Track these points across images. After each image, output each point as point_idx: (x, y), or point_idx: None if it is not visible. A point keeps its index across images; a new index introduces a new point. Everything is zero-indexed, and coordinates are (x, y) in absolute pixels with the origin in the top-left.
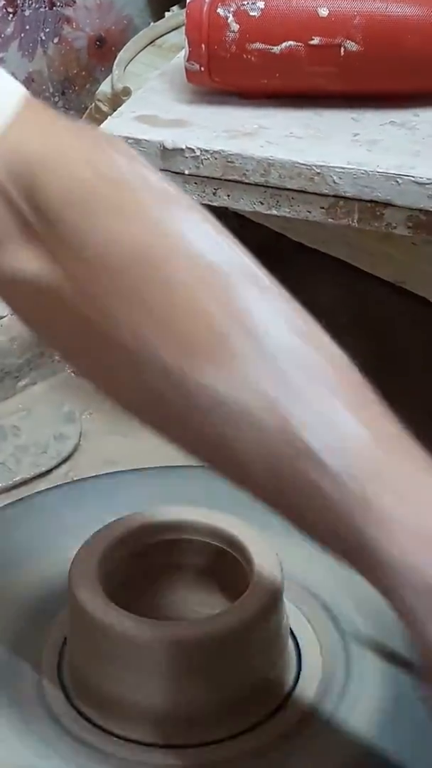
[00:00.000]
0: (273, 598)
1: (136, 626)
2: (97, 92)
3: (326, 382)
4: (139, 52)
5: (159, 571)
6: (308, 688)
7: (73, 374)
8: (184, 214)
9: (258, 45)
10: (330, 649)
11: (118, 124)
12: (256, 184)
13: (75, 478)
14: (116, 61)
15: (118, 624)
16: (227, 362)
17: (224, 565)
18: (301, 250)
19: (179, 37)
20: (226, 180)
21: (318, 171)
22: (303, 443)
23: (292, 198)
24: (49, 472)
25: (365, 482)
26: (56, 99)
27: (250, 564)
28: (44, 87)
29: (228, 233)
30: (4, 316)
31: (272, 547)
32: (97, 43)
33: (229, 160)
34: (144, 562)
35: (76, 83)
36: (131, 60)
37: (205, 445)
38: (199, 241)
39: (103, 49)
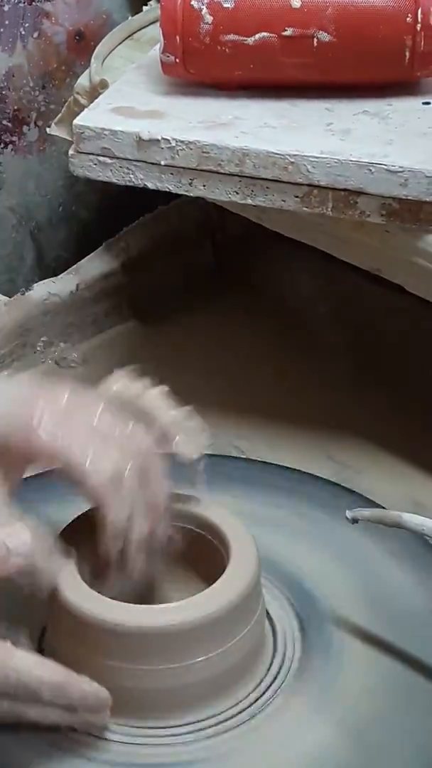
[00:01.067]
0: (249, 584)
1: (113, 611)
2: (75, 85)
3: None
4: (117, 46)
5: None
6: (284, 671)
7: (56, 365)
8: None
9: (232, 36)
10: (307, 632)
11: (95, 115)
12: (231, 174)
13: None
14: (94, 54)
15: (96, 609)
16: None
17: (201, 549)
18: (280, 241)
19: (157, 30)
20: (201, 170)
21: (292, 160)
22: None
23: (267, 187)
24: None
25: None
26: (36, 93)
27: (227, 548)
28: (24, 81)
29: None
30: None
31: (249, 532)
32: (77, 37)
33: (205, 150)
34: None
35: (56, 77)
36: (109, 53)
37: None
38: None
39: (82, 44)
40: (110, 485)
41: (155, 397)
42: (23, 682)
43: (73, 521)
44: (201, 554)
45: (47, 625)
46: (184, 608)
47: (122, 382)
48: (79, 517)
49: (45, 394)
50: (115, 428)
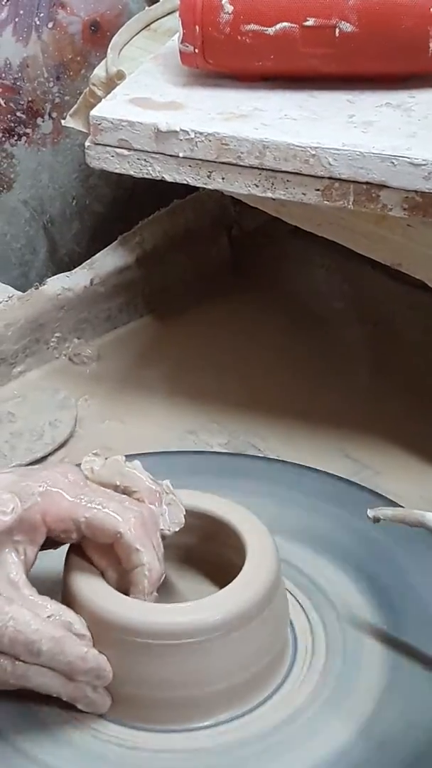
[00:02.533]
0: (267, 585)
1: (132, 611)
2: (91, 76)
3: None
4: (133, 36)
5: None
6: (303, 673)
7: (69, 361)
8: None
9: (252, 26)
10: (326, 633)
11: (112, 106)
12: (251, 167)
13: None
14: (111, 45)
15: (111, 608)
16: None
17: (215, 548)
18: (296, 236)
19: (174, 21)
20: (220, 162)
21: (313, 153)
22: None
23: (287, 180)
24: (44, 458)
25: None
26: (51, 84)
27: (243, 548)
28: (39, 72)
29: None
30: None
31: (267, 532)
32: (92, 28)
33: (224, 142)
34: None
35: (71, 68)
36: (126, 44)
37: None
38: None
39: (98, 35)
40: (144, 535)
41: (136, 472)
42: (21, 632)
43: None
44: (214, 552)
45: None
46: (205, 606)
47: (99, 462)
48: None
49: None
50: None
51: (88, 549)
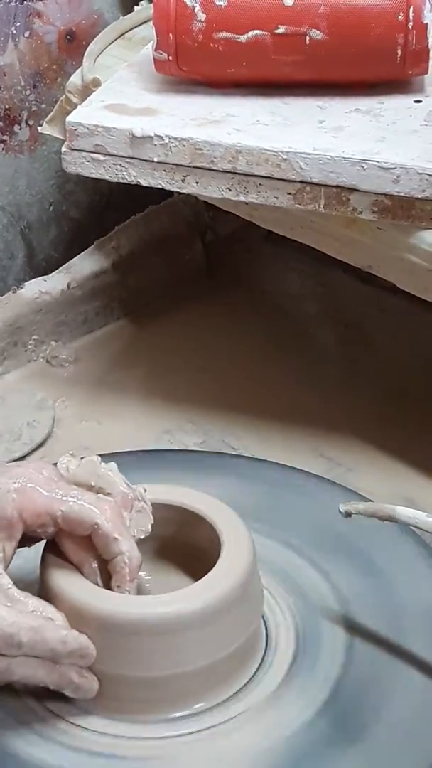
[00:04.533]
0: (242, 576)
1: (107, 603)
2: (67, 84)
3: None
4: (108, 45)
5: None
6: (278, 664)
7: (47, 363)
8: None
9: (225, 34)
10: (299, 625)
11: (88, 112)
12: (224, 171)
13: None
14: (86, 54)
15: (88, 600)
16: None
17: (191, 540)
18: (270, 241)
19: (148, 30)
20: (194, 167)
21: (285, 157)
22: None
23: (260, 184)
24: (22, 458)
25: None
26: (28, 92)
27: (218, 540)
28: (16, 81)
29: None
30: None
31: (243, 523)
32: (68, 37)
33: (198, 147)
34: None
35: (47, 77)
36: (101, 52)
37: None
38: None
39: (74, 44)
40: (120, 525)
41: (111, 475)
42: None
43: None
44: (189, 543)
45: None
46: (182, 598)
47: (74, 462)
48: None
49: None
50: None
51: (64, 544)
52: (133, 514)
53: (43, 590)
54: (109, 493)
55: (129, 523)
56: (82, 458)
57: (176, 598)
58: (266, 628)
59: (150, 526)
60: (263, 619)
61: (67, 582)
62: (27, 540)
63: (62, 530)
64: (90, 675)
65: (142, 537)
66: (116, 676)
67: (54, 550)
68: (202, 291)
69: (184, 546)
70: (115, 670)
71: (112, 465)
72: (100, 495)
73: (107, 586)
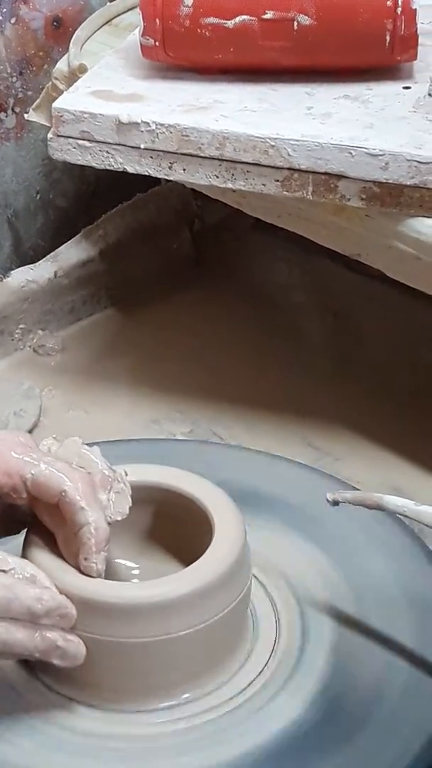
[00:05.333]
0: (235, 561)
1: (92, 588)
2: (54, 70)
3: None
4: (95, 32)
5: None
6: (264, 653)
7: (33, 352)
8: None
9: (212, 19)
10: (286, 616)
11: (74, 98)
12: (212, 158)
13: None
14: (72, 40)
15: (74, 585)
16: None
17: (180, 522)
18: (258, 230)
19: (135, 16)
20: (181, 154)
21: (272, 144)
22: None
23: (247, 171)
24: None
25: None
26: (14, 79)
27: (209, 522)
28: (2, 67)
29: None
30: None
31: (234, 504)
32: (54, 23)
33: (185, 133)
34: None
35: (33, 64)
36: (88, 38)
37: None
38: None
39: (60, 30)
40: (90, 495)
41: (92, 456)
42: None
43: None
44: (182, 528)
45: None
46: (161, 585)
47: (57, 445)
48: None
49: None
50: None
51: (42, 514)
52: (112, 495)
53: None
54: (90, 473)
55: (107, 504)
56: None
57: (162, 583)
58: (253, 618)
59: (128, 509)
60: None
61: (49, 564)
62: (12, 523)
63: (36, 499)
64: (75, 638)
65: (119, 519)
66: (97, 663)
67: (35, 533)
68: (189, 280)
69: (174, 528)
70: (96, 656)
71: (95, 449)
72: (74, 465)
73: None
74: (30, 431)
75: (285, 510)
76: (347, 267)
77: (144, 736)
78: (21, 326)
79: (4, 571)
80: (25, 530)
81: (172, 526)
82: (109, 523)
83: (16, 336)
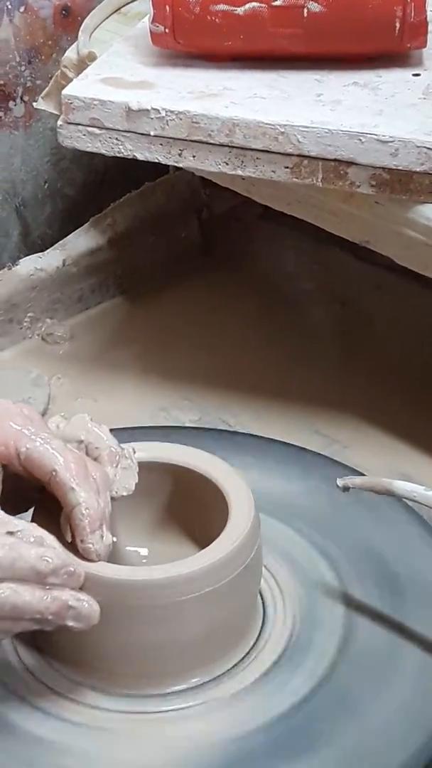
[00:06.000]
0: (249, 537)
1: (95, 568)
2: (63, 58)
3: None
4: (104, 20)
5: (122, 508)
6: (274, 636)
7: (42, 340)
8: None
9: (222, 6)
10: (295, 599)
11: (84, 86)
12: (221, 145)
13: None
14: (82, 28)
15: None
16: None
17: (193, 502)
18: (266, 218)
19: (144, 5)
20: (191, 141)
21: (282, 130)
22: None
23: (257, 158)
24: None
25: None
26: (23, 68)
27: (224, 501)
28: (11, 56)
29: None
30: None
31: (244, 484)
32: (63, 12)
33: (195, 120)
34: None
35: (42, 52)
36: (97, 27)
37: None
38: None
39: (69, 19)
40: (81, 475)
41: (100, 432)
42: None
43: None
44: (194, 504)
45: None
46: (177, 566)
47: (65, 422)
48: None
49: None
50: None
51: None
52: (119, 470)
53: None
54: (96, 449)
55: (113, 479)
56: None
57: (172, 565)
58: (263, 603)
59: (134, 485)
60: (260, 594)
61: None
62: (20, 501)
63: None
64: (87, 597)
65: (124, 494)
66: (104, 645)
67: (43, 512)
68: (197, 268)
69: (187, 506)
70: (103, 638)
71: (104, 427)
72: (69, 446)
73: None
74: None
75: (293, 494)
76: (355, 256)
77: (157, 713)
78: (29, 315)
79: (11, 532)
80: (33, 509)
81: (186, 504)
82: (114, 498)
83: (25, 324)
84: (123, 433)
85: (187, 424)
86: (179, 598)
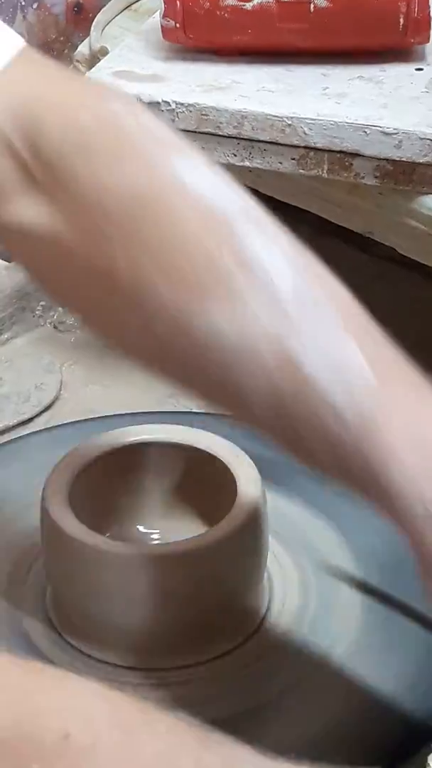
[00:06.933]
0: (254, 516)
1: (108, 542)
2: (75, 53)
3: (327, 315)
4: (116, 16)
5: (134, 489)
6: (282, 615)
7: (54, 328)
8: (183, 157)
9: (231, 1)
10: (302, 577)
11: (96, 79)
12: (230, 137)
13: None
14: (94, 23)
15: (91, 539)
16: (227, 298)
17: (203, 483)
18: (270, 211)
19: (155, 1)
20: (200, 133)
21: (289, 123)
22: (303, 374)
23: (264, 150)
24: (31, 419)
25: (365, 410)
26: None
27: (233, 481)
28: None
29: (229, 177)
30: None
31: (252, 466)
32: (75, 9)
33: (204, 113)
34: (118, 480)
35: (54, 48)
36: (108, 23)
37: (206, 381)
38: (197, 183)
39: (81, 15)
40: None
41: None
42: None
43: (73, 449)
44: (203, 488)
45: (44, 561)
46: (185, 541)
47: None
48: (78, 446)
49: None
50: None
51: None
52: None
53: (44, 526)
54: None
55: None
56: None
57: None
58: (271, 583)
59: None
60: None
61: (66, 519)
62: None
63: None
64: None
65: None
66: (110, 619)
67: (54, 487)
68: None
69: (197, 488)
70: (109, 613)
71: None
72: None
73: None
74: (50, 405)
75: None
76: (360, 248)
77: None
78: (41, 303)
79: None
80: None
81: (196, 486)
82: None
83: (37, 312)
84: (132, 418)
85: (194, 411)
86: (180, 575)
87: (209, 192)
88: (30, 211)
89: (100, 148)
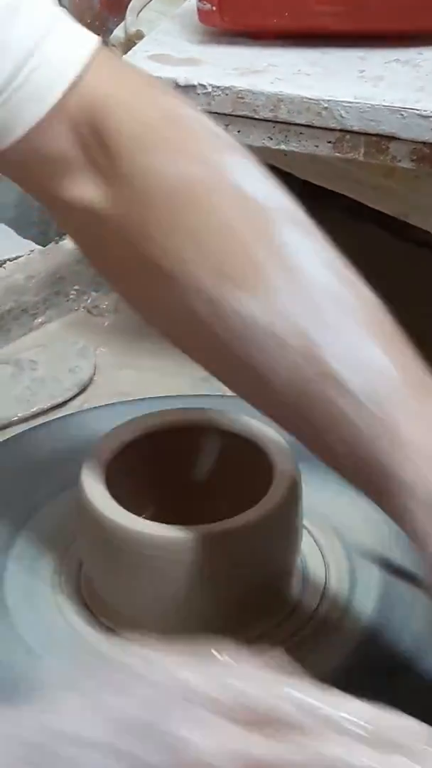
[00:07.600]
0: (291, 497)
1: (146, 523)
2: (110, 37)
3: (355, 316)
4: (151, 0)
5: (171, 472)
6: (314, 597)
7: (88, 313)
8: (236, 157)
9: None
10: (334, 561)
11: (132, 62)
12: (266, 120)
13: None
14: (129, 7)
15: (128, 520)
16: (261, 290)
17: (239, 466)
18: (302, 195)
19: None
20: (236, 116)
21: (325, 105)
22: (328, 368)
23: (300, 133)
24: (65, 402)
25: (385, 406)
26: None
27: (269, 463)
28: None
29: (275, 179)
30: (21, 256)
31: (288, 448)
32: None
33: (240, 96)
34: (154, 463)
35: None
36: (144, 6)
37: (233, 368)
38: (245, 180)
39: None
40: None
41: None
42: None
43: (111, 431)
44: (240, 470)
45: (79, 542)
46: (223, 523)
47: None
48: (116, 428)
49: None
50: None
51: None
52: None
53: (80, 508)
54: None
55: None
56: None
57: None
58: (304, 565)
59: None
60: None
61: (104, 504)
62: None
63: None
64: None
65: None
66: (144, 601)
67: (92, 469)
68: None
69: (233, 471)
70: (144, 594)
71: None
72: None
73: None
74: (84, 388)
75: None
76: (393, 233)
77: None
78: (75, 287)
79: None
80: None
81: (231, 468)
82: None
83: (71, 297)
84: (165, 401)
85: (228, 394)
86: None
87: (255, 191)
88: (88, 189)
89: (160, 142)
